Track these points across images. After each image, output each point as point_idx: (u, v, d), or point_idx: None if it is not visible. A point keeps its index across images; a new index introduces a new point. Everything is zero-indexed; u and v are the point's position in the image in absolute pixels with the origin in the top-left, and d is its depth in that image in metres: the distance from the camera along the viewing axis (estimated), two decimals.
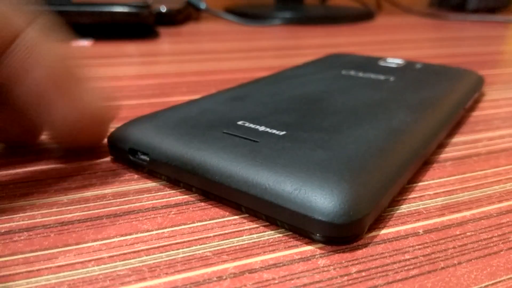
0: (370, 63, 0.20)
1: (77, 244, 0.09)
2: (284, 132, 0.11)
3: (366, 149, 0.10)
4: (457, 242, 0.09)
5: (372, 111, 0.13)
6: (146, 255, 0.08)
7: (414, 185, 0.11)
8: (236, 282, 0.08)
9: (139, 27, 0.32)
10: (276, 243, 0.09)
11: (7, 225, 0.09)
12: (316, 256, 0.09)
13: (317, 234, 0.09)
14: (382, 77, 0.17)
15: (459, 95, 0.16)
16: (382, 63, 0.20)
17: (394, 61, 0.20)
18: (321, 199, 0.09)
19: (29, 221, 0.09)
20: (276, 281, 0.08)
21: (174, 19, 0.38)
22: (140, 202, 0.10)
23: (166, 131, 0.12)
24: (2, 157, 0.12)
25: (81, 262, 0.08)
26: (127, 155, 0.12)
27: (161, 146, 0.11)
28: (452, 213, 0.10)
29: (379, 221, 0.10)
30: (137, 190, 0.11)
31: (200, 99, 0.14)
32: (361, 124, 0.12)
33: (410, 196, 0.11)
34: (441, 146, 0.14)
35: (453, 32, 0.38)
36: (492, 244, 0.09)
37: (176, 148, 0.11)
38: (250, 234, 0.09)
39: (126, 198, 0.10)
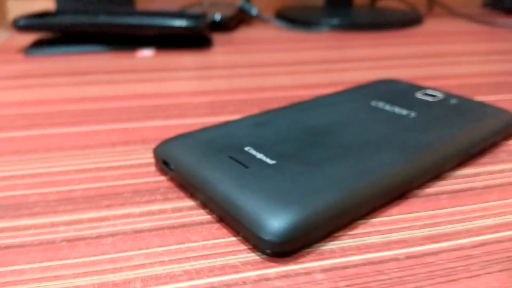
0: (406, 94, 0.21)
1: (146, 248, 0.12)
2: (274, 162, 0.14)
3: (326, 185, 0.13)
4: (428, 268, 0.12)
5: (364, 148, 0.15)
6: (194, 261, 0.12)
7: (403, 216, 0.14)
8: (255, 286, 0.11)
9: (196, 37, 0.36)
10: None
11: (97, 231, 0.13)
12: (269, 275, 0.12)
13: (266, 250, 0.12)
14: (405, 112, 0.19)
15: (471, 139, 0.17)
16: (418, 95, 0.21)
17: (432, 93, 0.21)
18: (263, 223, 0.12)
19: (113, 229, 0.13)
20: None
21: (227, 26, 0.41)
22: (191, 217, 0.14)
23: (189, 149, 0.15)
24: (87, 171, 0.16)
25: (149, 263, 0.12)
26: (162, 164, 0.15)
27: (181, 161, 0.15)
28: (432, 243, 0.13)
29: (347, 249, 0.12)
30: (189, 207, 0.14)
31: (228, 123, 0.18)
32: (343, 161, 0.14)
33: (392, 227, 0.13)
34: (444, 178, 0.16)
35: (508, 42, 0.38)
36: (454, 273, 0.11)
37: (189, 165, 0.15)
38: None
39: (182, 213, 0.14)
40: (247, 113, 0.22)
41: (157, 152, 0.16)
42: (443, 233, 0.13)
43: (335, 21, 0.43)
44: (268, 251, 0.12)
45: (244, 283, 0.11)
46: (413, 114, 0.19)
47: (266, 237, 0.11)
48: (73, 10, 0.37)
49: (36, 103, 0.23)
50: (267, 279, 0.11)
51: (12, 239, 0.12)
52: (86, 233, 0.13)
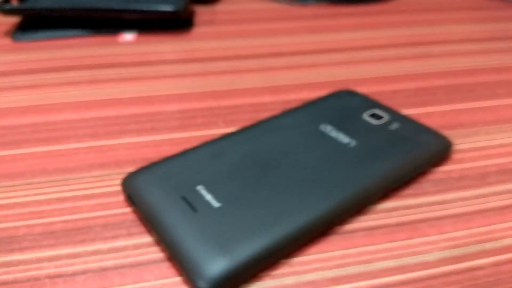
0: (355, 115, 0.23)
1: (110, 287, 0.16)
2: (219, 205, 0.17)
3: (257, 232, 0.16)
4: None
5: (298, 187, 0.18)
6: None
7: (319, 255, 0.17)
8: None
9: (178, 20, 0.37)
10: None
11: (72, 268, 0.16)
12: None
13: None
14: (347, 140, 0.21)
15: (400, 174, 0.19)
16: (365, 116, 0.23)
17: (379, 114, 0.23)
18: (198, 270, 0.15)
19: (84, 266, 0.16)
20: None
21: None
22: (148, 255, 0.17)
23: (148, 186, 0.18)
24: (66, 201, 0.19)
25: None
26: (127, 198, 0.18)
27: (140, 199, 0.18)
28: (336, 285, 0.16)
29: None
30: (148, 243, 0.17)
31: (186, 153, 0.20)
32: (276, 202, 0.17)
33: (307, 267, 0.16)
34: (365, 212, 0.19)
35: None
36: None
37: (146, 204, 0.17)
38: None
39: (141, 250, 0.17)
40: (213, 127, 0.24)
41: (123, 185, 0.19)
42: (347, 274, 0.16)
43: None
44: None
45: None
46: (353, 143, 0.21)
47: (200, 284, 0.15)
48: None
49: (22, 113, 0.25)
50: None
51: (6, 275, 0.16)
52: (63, 269, 0.16)
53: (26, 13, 0.34)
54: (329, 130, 0.22)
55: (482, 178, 0.21)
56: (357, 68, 0.30)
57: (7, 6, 0.33)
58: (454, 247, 0.17)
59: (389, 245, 0.17)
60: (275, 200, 0.17)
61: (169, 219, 0.17)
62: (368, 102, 0.24)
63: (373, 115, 0.23)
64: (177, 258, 0.16)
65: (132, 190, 0.18)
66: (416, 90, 0.28)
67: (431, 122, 0.25)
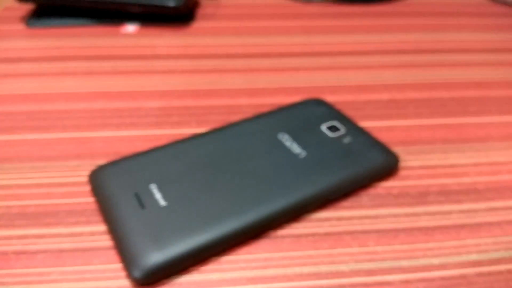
0: (314, 126, 0.24)
1: (62, 266, 0.19)
2: (165, 204, 0.19)
3: (192, 231, 0.18)
4: None
5: (241, 189, 0.20)
6: (86, 281, 0.18)
7: (246, 256, 0.19)
8: None
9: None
10: None
11: (35, 247, 0.19)
12: None
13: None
14: (298, 150, 0.23)
15: (338, 187, 0.21)
16: (323, 128, 0.24)
17: (337, 126, 0.24)
18: (131, 256, 0.17)
19: (45, 246, 0.19)
20: None
21: None
22: (101, 242, 0.20)
23: (110, 180, 0.21)
24: (43, 186, 0.22)
25: (60, 279, 0.18)
26: (91, 189, 0.21)
27: (100, 191, 0.20)
28: (252, 284, 0.18)
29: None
30: (102, 231, 0.20)
31: (151, 152, 0.22)
32: (217, 203, 0.19)
33: (233, 265, 0.19)
34: (301, 220, 0.21)
35: None
36: None
37: (103, 197, 0.20)
38: None
39: (95, 237, 0.20)
40: (186, 126, 0.26)
41: (90, 177, 0.22)
42: (265, 276, 0.18)
43: None
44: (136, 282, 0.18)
45: None
46: (303, 154, 0.22)
47: (134, 273, 0.17)
48: None
49: (21, 100, 0.28)
50: None
51: None
52: (28, 247, 0.19)
53: (41, 1, 0.37)
54: (286, 139, 0.23)
55: (421, 197, 0.22)
56: (337, 75, 0.31)
57: None
58: (370, 260, 0.19)
59: (311, 252, 0.19)
60: (215, 202, 0.20)
61: (119, 212, 0.19)
62: (331, 113, 0.26)
63: (331, 127, 0.24)
64: (120, 248, 0.18)
65: (95, 182, 0.21)
66: (388, 102, 0.29)
67: (389, 137, 0.26)
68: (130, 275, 0.17)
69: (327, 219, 0.21)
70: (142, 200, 0.20)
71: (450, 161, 0.24)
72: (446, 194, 0.22)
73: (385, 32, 0.37)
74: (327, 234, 0.20)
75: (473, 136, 0.26)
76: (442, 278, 0.18)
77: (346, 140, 0.24)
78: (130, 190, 0.20)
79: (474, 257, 0.19)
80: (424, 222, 0.21)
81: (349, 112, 0.28)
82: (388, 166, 0.23)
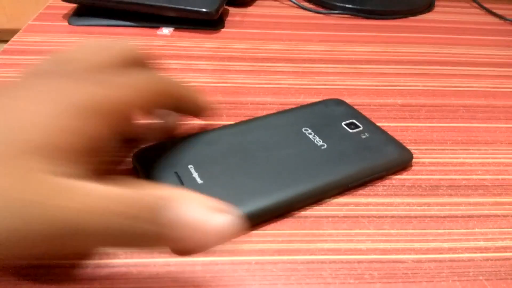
0: (335, 123, 0.26)
1: None
2: (201, 182, 0.21)
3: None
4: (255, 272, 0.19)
5: (267, 173, 0.22)
6: None
7: (272, 231, 0.21)
8: None
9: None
10: None
11: None
12: None
13: None
14: (320, 143, 0.25)
15: (356, 176, 0.23)
16: (344, 124, 0.26)
17: (356, 123, 0.26)
18: None
19: None
20: None
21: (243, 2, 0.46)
22: None
23: (152, 160, 0.23)
24: None
25: None
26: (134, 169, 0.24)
27: (142, 169, 0.22)
28: (279, 255, 0.20)
29: None
30: None
31: (189, 138, 0.24)
32: (243, 186, 0.21)
33: (261, 238, 0.21)
34: (322, 203, 0.23)
35: None
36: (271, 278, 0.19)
37: (148, 175, 0.22)
38: None
39: None
40: (216, 119, 0.29)
41: (133, 158, 0.24)
42: (289, 249, 0.20)
43: (348, 3, 0.46)
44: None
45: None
46: (325, 146, 0.25)
47: None
48: None
49: None
50: None
51: None
52: None
53: (83, 1, 0.40)
54: (309, 132, 0.26)
55: (432, 189, 0.24)
56: (355, 80, 0.34)
57: None
58: (385, 241, 0.21)
59: (331, 231, 0.21)
60: (246, 182, 0.22)
61: None
62: (351, 112, 0.28)
63: (350, 124, 0.27)
64: None
65: (139, 162, 0.23)
66: (401, 106, 0.31)
67: (403, 136, 0.28)
68: None
69: (346, 204, 0.23)
70: (181, 178, 0.22)
71: (459, 160, 0.26)
72: (456, 188, 0.24)
73: (400, 45, 0.40)
74: (346, 217, 0.22)
75: (481, 139, 0.28)
76: (451, 260, 0.20)
77: (364, 136, 0.26)
78: (171, 169, 0.22)
79: (481, 243, 0.21)
80: (435, 211, 0.23)
81: (365, 113, 0.30)
82: (403, 161, 0.25)
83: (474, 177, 0.25)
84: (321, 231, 0.21)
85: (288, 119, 0.27)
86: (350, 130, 0.26)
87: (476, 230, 0.22)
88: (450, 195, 0.24)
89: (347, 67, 0.36)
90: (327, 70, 0.35)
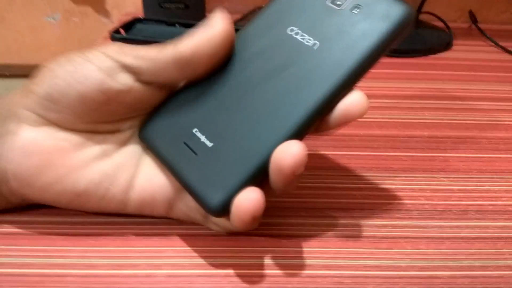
0: (319, 6, 0.22)
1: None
2: (212, 144, 0.20)
3: (236, 164, 0.20)
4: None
5: (269, 108, 0.20)
6: None
7: (316, 249, 0.23)
8: None
9: None
10: None
11: None
12: None
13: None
14: (311, 42, 0.21)
15: (361, 62, 0.20)
16: (328, 2, 0.22)
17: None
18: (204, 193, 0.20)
19: None
20: None
21: None
22: None
23: (158, 138, 0.22)
24: None
25: None
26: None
27: (156, 150, 0.22)
28: (325, 270, 0.22)
29: None
30: None
31: (175, 99, 0.22)
32: (252, 126, 0.20)
33: (306, 255, 0.23)
34: (360, 225, 0.25)
35: None
36: None
37: (161, 155, 0.22)
38: None
39: None
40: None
41: (140, 137, 0.23)
42: (336, 265, 0.23)
43: None
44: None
45: None
46: (317, 44, 0.21)
47: (212, 210, 0.20)
48: (155, 19, 0.47)
49: None
50: None
51: None
52: None
53: (131, 41, 0.44)
54: (296, 32, 0.22)
55: (462, 214, 0.26)
56: (383, 113, 0.37)
57: (117, 35, 0.43)
58: (422, 259, 0.23)
59: (373, 250, 0.24)
60: (252, 126, 0.20)
61: (180, 166, 0.21)
62: None
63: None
64: (191, 191, 0.21)
65: (147, 141, 0.23)
66: (428, 137, 0.34)
67: (431, 165, 0.30)
68: (208, 210, 0.20)
69: (384, 226, 0.25)
70: (191, 148, 0.21)
71: (485, 187, 0.29)
72: (483, 213, 0.26)
73: (422, 81, 0.43)
74: (385, 237, 0.24)
75: (504, 168, 0.31)
76: (483, 277, 0.22)
77: (356, 9, 0.21)
78: (179, 140, 0.21)
79: (510, 262, 0.23)
80: (465, 233, 0.25)
81: (395, 144, 0.33)
82: (405, 18, 0.20)
83: (500, 203, 0.27)
84: (363, 250, 0.24)
85: (269, 21, 0.23)
86: (337, 8, 0.22)
87: (505, 250, 0.24)
88: (478, 219, 0.26)
89: (375, 101, 0.39)
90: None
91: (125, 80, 0.21)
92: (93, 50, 0.22)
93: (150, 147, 0.23)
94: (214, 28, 0.21)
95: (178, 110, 0.22)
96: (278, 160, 0.19)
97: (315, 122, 0.20)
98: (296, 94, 0.20)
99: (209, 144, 0.21)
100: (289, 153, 0.19)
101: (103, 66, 0.21)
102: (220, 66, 0.22)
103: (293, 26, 0.22)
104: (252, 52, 0.22)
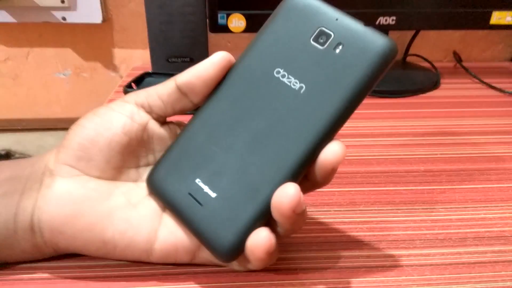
0: (304, 45, 0.22)
1: None
2: (215, 195, 0.22)
3: (240, 213, 0.21)
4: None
5: (265, 150, 0.21)
6: None
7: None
8: None
9: None
10: None
11: None
12: None
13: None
14: (298, 85, 0.22)
15: (347, 101, 0.20)
16: (313, 42, 0.22)
17: (326, 32, 0.21)
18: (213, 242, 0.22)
19: None
20: None
21: None
22: None
23: (163, 186, 0.23)
24: None
25: None
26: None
27: (162, 199, 0.24)
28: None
29: None
30: None
31: (181, 145, 0.24)
32: (252, 172, 0.22)
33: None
34: (371, 256, 0.27)
35: None
36: None
37: (167, 203, 0.23)
38: None
39: None
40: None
41: (147, 183, 0.24)
42: None
43: None
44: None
45: None
46: (303, 88, 0.21)
47: (219, 252, 0.22)
48: (163, 73, 0.51)
49: None
50: None
51: None
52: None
53: None
54: (282, 75, 0.22)
55: (461, 241, 0.29)
56: (380, 150, 0.40)
57: (130, 90, 0.47)
58: (428, 285, 0.25)
59: (382, 279, 0.26)
60: (252, 171, 0.22)
61: (187, 215, 0.23)
62: (312, 12, 0.22)
63: (319, 36, 0.22)
64: (200, 238, 0.23)
65: (153, 189, 0.24)
66: (424, 171, 0.36)
67: (429, 197, 0.33)
68: (215, 253, 0.22)
69: (390, 256, 0.27)
70: (196, 198, 0.22)
71: (480, 215, 0.31)
72: (481, 239, 0.29)
73: (414, 119, 0.46)
74: (393, 266, 0.27)
75: (497, 197, 0.33)
76: None
77: (339, 48, 0.21)
78: (184, 191, 0.23)
79: (509, 283, 0.25)
80: (465, 259, 0.27)
81: (394, 179, 0.35)
82: (388, 52, 0.20)
83: (495, 229, 0.30)
84: (374, 279, 0.26)
85: (257, 62, 0.23)
86: (321, 48, 0.22)
87: (503, 273, 0.26)
88: (477, 245, 0.28)
89: (373, 140, 0.42)
90: (355, 144, 0.41)
91: (141, 119, 0.24)
92: (115, 101, 0.25)
93: (158, 195, 0.24)
94: (211, 57, 0.24)
95: (179, 158, 0.24)
96: (278, 204, 0.21)
97: (309, 163, 0.22)
98: (289, 139, 0.21)
99: (213, 194, 0.22)
100: (286, 195, 0.20)
101: (124, 111, 0.24)
102: (213, 107, 0.24)
103: (279, 68, 0.22)
104: (242, 98, 0.23)
